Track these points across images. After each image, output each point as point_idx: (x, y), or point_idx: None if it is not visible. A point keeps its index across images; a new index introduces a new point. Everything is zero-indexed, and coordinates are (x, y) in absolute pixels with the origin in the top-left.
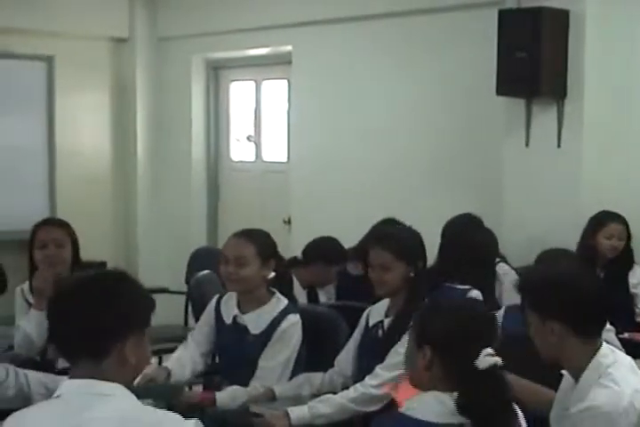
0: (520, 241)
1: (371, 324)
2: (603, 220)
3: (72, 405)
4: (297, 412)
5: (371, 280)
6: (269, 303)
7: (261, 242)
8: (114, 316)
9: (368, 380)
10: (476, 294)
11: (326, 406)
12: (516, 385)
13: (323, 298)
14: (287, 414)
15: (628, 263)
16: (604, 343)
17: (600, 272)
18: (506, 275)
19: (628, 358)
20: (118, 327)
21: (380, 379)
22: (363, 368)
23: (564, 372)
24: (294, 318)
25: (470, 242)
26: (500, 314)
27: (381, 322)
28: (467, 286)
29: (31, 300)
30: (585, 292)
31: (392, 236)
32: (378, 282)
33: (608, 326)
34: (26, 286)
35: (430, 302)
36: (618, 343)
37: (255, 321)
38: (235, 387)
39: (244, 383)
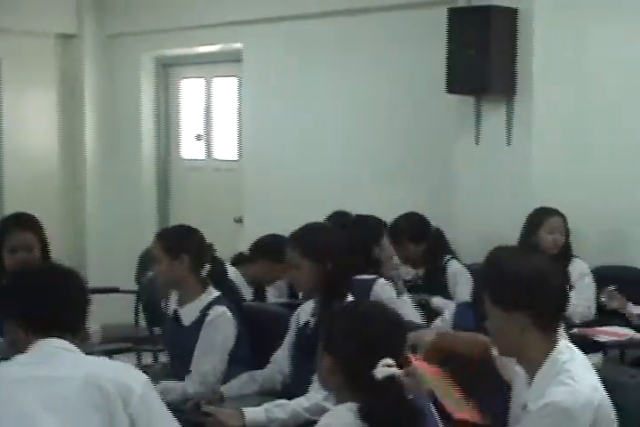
0: (471, 238)
1: (301, 323)
2: (542, 216)
3: (41, 354)
4: (252, 413)
5: None
6: (201, 296)
7: (169, 239)
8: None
9: (315, 393)
10: (382, 282)
11: (282, 411)
12: (451, 337)
13: (271, 295)
14: (242, 415)
15: (567, 258)
16: (561, 340)
17: None
18: (456, 273)
19: (583, 355)
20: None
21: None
22: (299, 367)
23: (516, 368)
24: (220, 310)
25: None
26: (451, 311)
27: (309, 321)
28: (372, 276)
29: None
30: (551, 285)
31: (301, 234)
32: (292, 281)
33: None
34: None
35: (337, 308)
36: (567, 339)
37: (187, 314)
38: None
39: (186, 373)
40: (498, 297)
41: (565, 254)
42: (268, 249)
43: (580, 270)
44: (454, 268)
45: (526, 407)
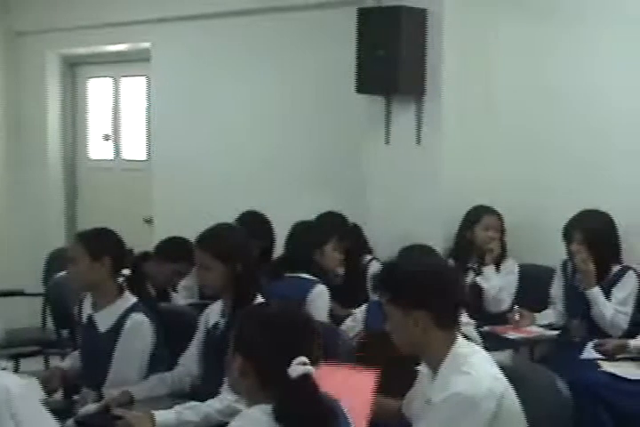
0: (383, 238)
1: (210, 324)
2: (478, 213)
3: None
4: (163, 416)
5: None
6: (117, 301)
7: (91, 241)
8: None
9: (227, 394)
10: (319, 289)
11: (193, 413)
12: None
13: (179, 296)
14: (152, 417)
15: (501, 256)
16: (460, 335)
17: (474, 265)
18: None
19: (483, 349)
20: None
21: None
22: (209, 368)
23: (419, 368)
24: (138, 317)
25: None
26: (362, 310)
27: (218, 322)
28: (314, 278)
29: None
30: (447, 282)
31: (210, 236)
32: (202, 282)
33: (467, 319)
34: None
35: (246, 309)
36: (477, 336)
37: (103, 319)
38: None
39: (101, 381)
40: (398, 298)
41: (499, 253)
42: (159, 249)
43: (508, 268)
44: (376, 268)
45: (430, 402)
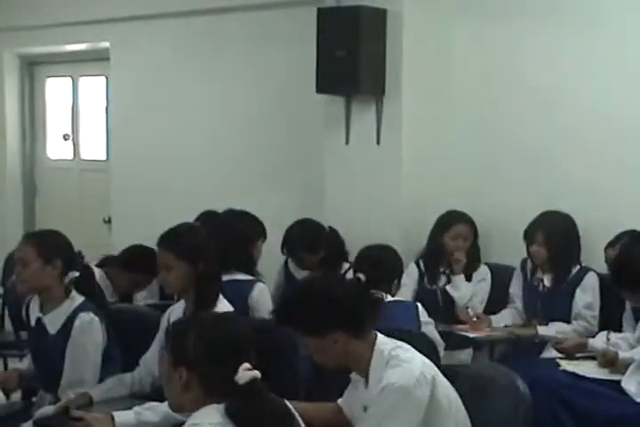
0: (344, 238)
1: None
2: (448, 220)
3: None
4: (122, 416)
5: None
6: (65, 303)
7: (42, 243)
8: None
9: None
10: (260, 287)
11: (153, 413)
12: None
13: (140, 296)
14: (112, 418)
15: (474, 263)
16: (379, 334)
17: (446, 270)
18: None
19: (405, 343)
20: None
21: None
22: None
23: (352, 375)
24: (86, 316)
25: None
26: None
27: None
28: (250, 277)
29: None
30: (341, 297)
31: (173, 235)
32: (163, 282)
33: (427, 318)
34: None
35: (184, 320)
36: (437, 336)
37: (52, 321)
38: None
39: (56, 383)
40: (306, 330)
41: (471, 260)
42: (127, 261)
43: (480, 276)
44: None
45: (366, 409)
